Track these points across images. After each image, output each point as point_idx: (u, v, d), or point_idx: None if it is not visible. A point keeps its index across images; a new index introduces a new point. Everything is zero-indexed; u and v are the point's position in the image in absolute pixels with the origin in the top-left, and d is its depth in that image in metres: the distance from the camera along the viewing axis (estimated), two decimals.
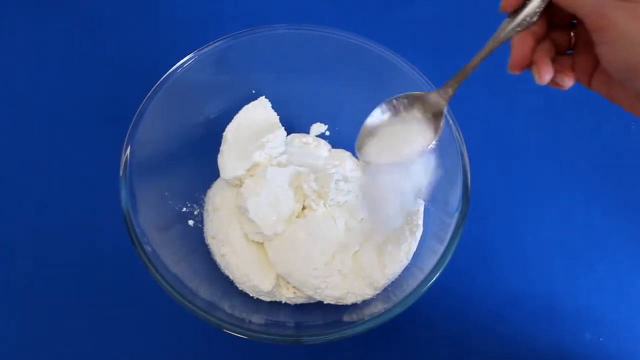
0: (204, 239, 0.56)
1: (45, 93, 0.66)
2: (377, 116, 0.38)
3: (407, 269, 0.50)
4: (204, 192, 0.58)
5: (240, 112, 0.55)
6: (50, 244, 0.59)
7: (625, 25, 0.31)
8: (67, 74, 0.67)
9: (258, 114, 0.55)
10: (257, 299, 0.54)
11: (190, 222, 0.56)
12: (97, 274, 0.57)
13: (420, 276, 0.47)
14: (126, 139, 0.49)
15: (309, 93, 0.57)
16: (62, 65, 0.67)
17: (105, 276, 0.57)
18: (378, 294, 0.51)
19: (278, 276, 0.53)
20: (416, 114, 0.38)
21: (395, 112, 0.38)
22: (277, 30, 0.54)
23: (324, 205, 0.53)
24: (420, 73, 0.53)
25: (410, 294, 0.46)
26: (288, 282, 0.53)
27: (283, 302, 0.54)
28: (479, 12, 0.70)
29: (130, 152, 0.48)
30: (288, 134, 0.57)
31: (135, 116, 0.50)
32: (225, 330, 0.44)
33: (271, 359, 0.55)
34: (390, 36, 0.67)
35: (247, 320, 0.48)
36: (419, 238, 0.50)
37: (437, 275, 0.46)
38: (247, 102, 0.56)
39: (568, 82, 0.37)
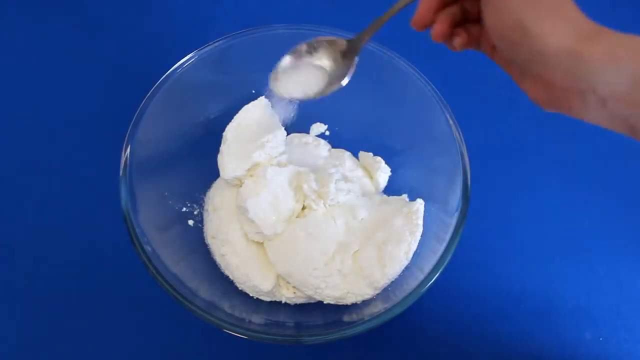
0: (204, 239, 0.56)
1: (45, 93, 0.66)
2: (287, 59, 0.41)
3: (407, 269, 0.50)
4: (204, 192, 0.58)
5: (240, 112, 0.55)
6: (50, 244, 0.59)
7: None
8: (67, 74, 0.67)
9: (258, 114, 0.55)
10: (257, 299, 0.54)
11: (190, 222, 0.56)
12: (97, 274, 0.57)
13: (420, 276, 0.47)
14: (126, 139, 0.49)
15: None
16: (62, 65, 0.67)
17: (105, 276, 0.57)
18: (378, 294, 0.51)
19: (278, 276, 0.53)
20: (325, 55, 0.41)
21: (305, 53, 0.41)
22: (277, 30, 0.54)
23: (324, 205, 0.52)
24: (420, 73, 0.53)
25: (410, 294, 0.46)
26: (288, 282, 0.53)
27: (283, 302, 0.54)
28: None
29: (130, 152, 0.49)
30: (288, 134, 0.57)
31: (135, 116, 0.50)
32: (225, 330, 0.44)
33: (271, 359, 0.55)
34: (390, 36, 0.67)
35: (247, 320, 0.48)
36: (419, 238, 0.50)
37: (437, 275, 0.46)
38: (247, 102, 0.56)
39: (457, 42, 0.38)
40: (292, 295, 0.53)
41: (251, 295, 0.53)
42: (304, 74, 0.42)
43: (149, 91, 0.51)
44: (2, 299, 0.57)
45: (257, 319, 0.49)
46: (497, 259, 0.60)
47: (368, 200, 0.55)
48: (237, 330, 0.44)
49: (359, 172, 0.59)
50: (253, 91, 0.57)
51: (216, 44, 0.53)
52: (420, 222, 0.51)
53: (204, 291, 0.49)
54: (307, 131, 0.61)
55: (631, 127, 0.32)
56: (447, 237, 0.47)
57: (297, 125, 0.60)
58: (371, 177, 0.59)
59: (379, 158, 0.59)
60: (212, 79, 0.55)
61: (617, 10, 0.72)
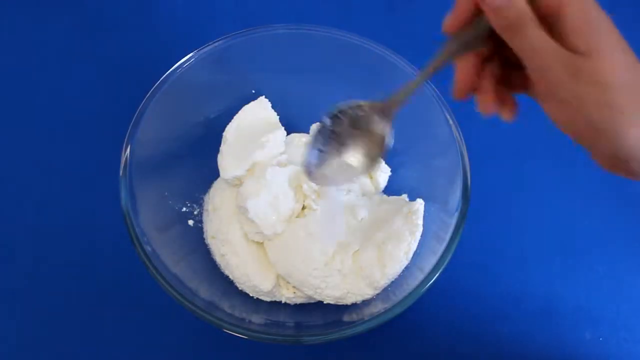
0: (204, 239, 0.56)
1: (45, 93, 0.66)
2: (314, 155, 0.35)
3: (407, 269, 0.50)
4: (204, 192, 0.58)
5: (240, 112, 0.55)
6: (50, 244, 0.59)
7: (563, 86, 0.28)
8: (67, 74, 0.67)
9: (258, 114, 0.55)
10: (257, 299, 0.54)
11: (190, 222, 0.56)
12: (97, 274, 0.57)
13: (420, 276, 0.47)
14: (126, 139, 0.49)
15: (309, 93, 0.57)
16: (62, 65, 0.67)
17: (105, 276, 0.57)
18: (378, 294, 0.51)
19: (278, 276, 0.53)
20: (359, 145, 0.35)
21: (339, 140, 0.35)
22: (277, 30, 0.54)
23: (324, 205, 0.52)
24: None
25: (410, 294, 0.46)
26: (288, 282, 0.53)
27: (283, 302, 0.54)
28: None
29: (130, 152, 0.48)
30: (288, 134, 0.57)
31: (135, 116, 0.50)
32: (225, 330, 0.44)
33: (271, 359, 0.55)
34: (390, 36, 0.67)
35: (247, 320, 0.48)
36: (418, 238, 0.50)
37: (437, 275, 0.46)
38: (247, 102, 0.56)
39: (506, 117, 0.34)
40: (292, 295, 0.53)
41: (251, 295, 0.53)
42: (336, 167, 0.36)
43: (149, 91, 0.51)
44: (2, 299, 0.57)
45: (257, 319, 0.49)
46: (497, 259, 0.60)
47: (368, 200, 0.55)
48: (237, 330, 0.44)
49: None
50: (253, 91, 0.57)
51: (216, 44, 0.53)
52: (420, 222, 0.51)
53: (204, 291, 0.49)
54: (307, 131, 0.61)
55: None
56: (447, 237, 0.47)
57: (297, 125, 0.60)
58: (371, 177, 0.59)
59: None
60: (212, 79, 0.55)
61: (617, 10, 0.72)
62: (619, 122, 0.27)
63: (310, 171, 0.36)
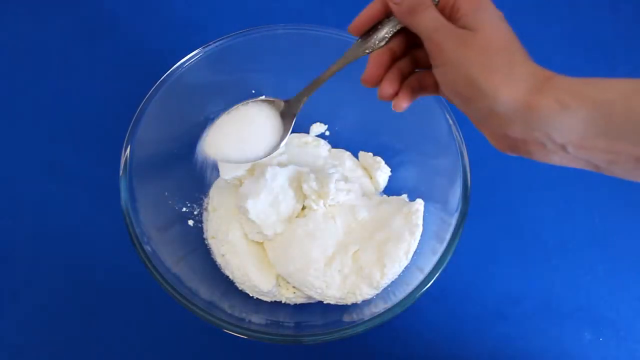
0: (204, 239, 0.56)
1: (46, 93, 0.66)
2: (224, 117, 0.41)
3: (407, 269, 0.50)
4: (204, 192, 0.58)
5: None
6: (50, 244, 0.59)
7: (451, 52, 0.33)
8: (67, 73, 0.67)
9: None
10: (257, 299, 0.54)
11: (190, 222, 0.56)
12: (97, 274, 0.57)
13: (420, 276, 0.47)
14: (126, 139, 0.49)
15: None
16: (63, 64, 0.67)
17: (105, 276, 0.57)
18: (378, 294, 0.51)
19: (278, 276, 0.53)
20: (265, 115, 0.41)
21: (244, 113, 0.41)
22: (277, 30, 0.54)
23: (324, 205, 0.52)
24: None
25: (410, 294, 0.46)
26: (288, 282, 0.53)
27: (283, 302, 0.54)
28: None
29: (130, 152, 0.48)
30: None
31: (135, 116, 0.50)
32: (225, 330, 0.44)
33: (271, 359, 0.55)
34: None
35: (247, 320, 0.48)
36: (418, 238, 0.50)
37: (437, 275, 0.46)
38: None
39: (398, 106, 0.39)
40: (292, 295, 0.53)
41: (251, 295, 0.53)
42: (239, 134, 0.42)
43: (149, 91, 0.51)
44: (2, 299, 0.57)
45: (257, 319, 0.49)
46: (497, 259, 0.60)
47: (368, 200, 0.55)
48: (237, 330, 0.44)
49: (359, 172, 0.59)
50: (253, 91, 0.57)
51: (216, 44, 0.53)
52: (420, 222, 0.51)
53: (204, 291, 0.49)
54: (307, 131, 0.61)
55: (596, 166, 0.32)
56: (447, 237, 0.47)
57: (297, 125, 0.60)
58: (371, 177, 0.59)
59: (379, 158, 0.59)
60: (212, 79, 0.55)
61: (617, 9, 0.72)
62: (496, 79, 0.32)
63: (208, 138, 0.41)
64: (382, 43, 0.38)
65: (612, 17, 0.71)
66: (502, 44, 0.33)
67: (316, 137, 0.61)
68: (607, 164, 0.31)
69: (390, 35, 0.38)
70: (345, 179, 0.55)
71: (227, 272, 0.54)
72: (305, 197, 0.53)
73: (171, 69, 0.52)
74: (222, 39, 0.53)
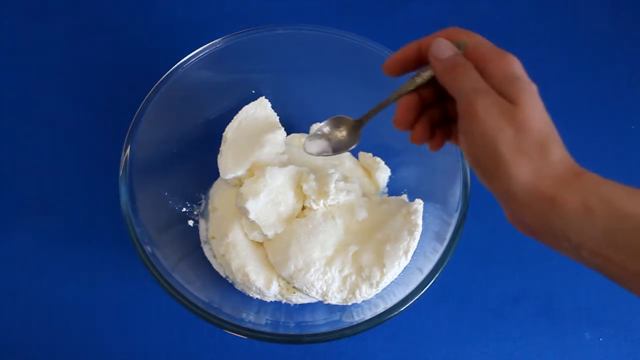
0: (204, 239, 0.56)
1: (46, 93, 0.66)
2: (317, 129, 0.44)
3: (407, 269, 0.50)
4: (204, 192, 0.58)
5: (240, 112, 0.55)
6: (50, 244, 0.59)
7: (488, 122, 0.31)
8: (67, 74, 0.67)
9: (258, 114, 0.55)
10: (257, 299, 0.54)
11: (190, 222, 0.56)
12: (97, 274, 0.57)
13: (420, 276, 0.47)
14: (126, 139, 0.49)
15: (309, 93, 0.57)
16: (62, 65, 0.67)
17: (105, 277, 0.57)
18: (378, 294, 0.51)
19: (278, 276, 0.53)
20: (341, 129, 0.44)
21: (330, 129, 0.44)
22: (277, 30, 0.54)
23: (324, 205, 0.53)
24: None
25: (410, 294, 0.46)
26: (288, 282, 0.53)
27: (283, 302, 0.54)
28: (477, 13, 0.70)
29: (130, 152, 0.48)
30: (288, 134, 0.57)
31: (135, 116, 0.50)
32: (225, 330, 0.44)
33: (271, 359, 0.55)
34: (390, 36, 0.67)
35: (247, 320, 0.48)
36: (418, 238, 0.50)
37: (437, 275, 0.46)
38: (247, 102, 0.56)
39: (434, 150, 0.39)
40: (292, 295, 0.53)
41: (251, 295, 0.53)
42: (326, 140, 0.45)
43: (148, 91, 0.51)
44: (2, 299, 0.57)
45: (257, 319, 0.49)
46: (497, 258, 0.60)
47: (368, 200, 0.55)
48: (237, 330, 0.44)
49: (359, 172, 0.59)
50: (253, 91, 0.57)
51: (216, 44, 0.53)
52: (420, 222, 0.51)
53: (204, 291, 0.49)
54: (307, 131, 0.61)
55: (603, 272, 0.31)
56: (447, 237, 0.47)
57: (297, 125, 0.60)
58: (371, 177, 0.59)
59: (378, 158, 0.59)
60: (212, 79, 0.55)
61: (617, 9, 0.72)
62: (523, 162, 0.30)
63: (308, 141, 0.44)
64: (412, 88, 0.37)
65: (612, 17, 0.71)
66: (539, 126, 0.31)
67: None
68: (621, 281, 0.30)
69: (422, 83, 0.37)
70: (345, 179, 0.55)
71: (227, 272, 0.54)
72: (305, 197, 0.53)
73: (171, 69, 0.52)
74: (222, 39, 0.53)
